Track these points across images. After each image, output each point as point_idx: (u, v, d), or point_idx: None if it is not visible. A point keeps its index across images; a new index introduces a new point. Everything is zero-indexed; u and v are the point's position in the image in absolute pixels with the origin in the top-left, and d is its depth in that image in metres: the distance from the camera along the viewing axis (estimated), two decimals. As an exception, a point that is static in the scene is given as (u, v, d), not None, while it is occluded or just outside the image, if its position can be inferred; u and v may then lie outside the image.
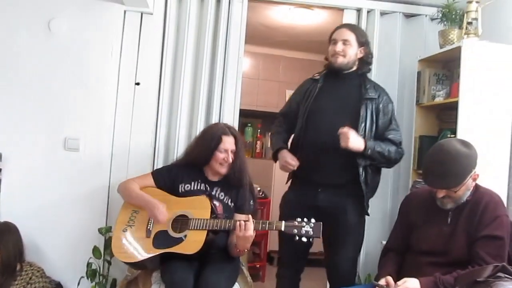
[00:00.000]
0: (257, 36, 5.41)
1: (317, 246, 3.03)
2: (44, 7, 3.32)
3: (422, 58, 3.46)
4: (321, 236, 2.53)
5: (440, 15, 3.35)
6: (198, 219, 2.68)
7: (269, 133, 3.15)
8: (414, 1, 3.67)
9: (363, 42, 2.95)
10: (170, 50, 3.51)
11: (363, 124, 2.83)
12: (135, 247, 2.72)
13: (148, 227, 2.76)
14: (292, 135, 3.08)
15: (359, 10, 3.70)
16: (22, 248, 3.03)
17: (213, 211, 2.75)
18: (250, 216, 2.58)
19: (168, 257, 2.65)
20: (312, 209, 2.76)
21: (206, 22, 3.52)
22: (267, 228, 2.58)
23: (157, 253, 2.66)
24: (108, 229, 3.27)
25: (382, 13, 3.68)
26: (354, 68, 2.97)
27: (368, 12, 3.68)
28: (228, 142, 2.88)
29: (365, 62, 2.99)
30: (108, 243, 3.25)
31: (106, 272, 3.31)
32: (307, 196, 2.88)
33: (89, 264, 3.24)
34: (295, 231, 2.49)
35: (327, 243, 2.99)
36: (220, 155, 2.85)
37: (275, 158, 3.05)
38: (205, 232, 2.64)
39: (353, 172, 2.83)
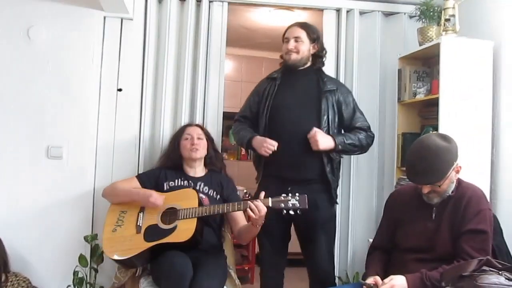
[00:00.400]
0: (238, 38, 5.42)
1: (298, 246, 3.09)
2: (23, 15, 3.29)
3: (402, 56, 3.48)
4: (307, 207, 2.58)
5: (418, 12, 3.37)
6: (187, 208, 2.73)
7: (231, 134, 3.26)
8: (392, 0, 3.69)
9: (315, 38, 3.05)
10: (152, 55, 3.51)
11: (325, 117, 2.93)
12: (127, 243, 2.72)
13: (138, 223, 2.78)
14: None
15: (338, 10, 3.72)
16: (6, 258, 3.01)
17: (200, 203, 2.79)
18: (259, 200, 2.60)
19: (160, 253, 2.65)
20: None
21: (186, 26, 3.52)
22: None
23: (150, 246, 2.67)
24: (94, 237, 3.25)
25: (362, 12, 3.71)
26: (309, 64, 3.08)
27: (347, 11, 3.70)
28: (191, 130, 3.09)
29: (318, 57, 3.09)
30: (94, 251, 3.24)
31: (93, 280, 3.29)
32: (278, 194, 2.85)
33: (75, 273, 3.22)
34: (282, 205, 2.58)
35: (302, 240, 3.05)
36: (186, 142, 3.02)
37: (248, 149, 3.09)
38: (195, 219, 2.68)
39: (320, 166, 2.92)
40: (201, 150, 3.03)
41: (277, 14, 4.59)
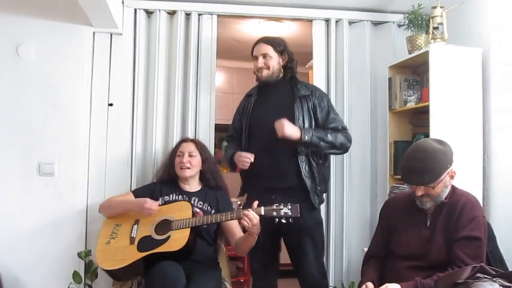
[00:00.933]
0: (228, 50, 5.43)
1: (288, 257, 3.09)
2: (12, 32, 3.29)
3: (392, 65, 3.51)
4: (299, 216, 2.59)
5: (407, 21, 3.40)
6: (180, 219, 2.74)
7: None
8: (381, 9, 3.73)
9: (281, 50, 3.09)
10: (142, 69, 3.51)
11: (299, 122, 2.95)
12: (120, 254, 2.72)
13: (132, 235, 2.78)
14: None
15: (327, 21, 3.73)
16: None
17: (193, 214, 2.79)
18: (250, 209, 2.61)
19: (153, 264, 2.64)
20: (269, 219, 2.71)
21: (176, 39, 3.52)
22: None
23: (142, 256, 2.66)
24: (88, 253, 3.23)
25: (351, 22, 3.73)
26: (281, 75, 3.11)
27: (336, 22, 3.72)
28: (184, 146, 3.06)
29: (288, 67, 3.11)
30: (88, 267, 3.22)
31: (88, 296, 3.27)
32: (264, 204, 2.76)
33: (70, 289, 3.20)
34: (275, 213, 2.59)
35: (291, 252, 3.06)
36: (178, 159, 3.01)
37: (232, 166, 3.12)
38: (188, 229, 2.69)
39: (297, 171, 2.93)
40: (192, 168, 3.01)
41: (266, 26, 4.60)
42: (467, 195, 2.33)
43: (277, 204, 2.61)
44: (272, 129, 2.88)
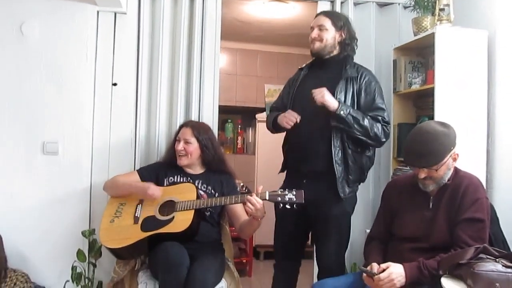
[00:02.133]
0: (232, 31, 5.41)
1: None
2: (16, 11, 3.27)
3: (397, 47, 3.49)
4: (303, 202, 2.58)
5: (413, 2, 3.38)
6: (185, 201, 2.75)
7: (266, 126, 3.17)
8: (386, -10, 3.70)
9: (341, 25, 2.94)
10: (146, 49, 3.49)
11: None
12: (123, 233, 2.74)
13: (136, 215, 2.80)
14: None
15: (332, 2, 3.69)
16: (4, 254, 3.00)
17: (198, 197, 2.80)
18: (253, 194, 2.63)
19: (156, 244, 2.66)
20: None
21: (180, 20, 3.50)
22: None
23: (146, 236, 2.68)
24: (92, 232, 3.25)
25: (356, 4, 3.70)
26: (335, 52, 2.95)
27: (341, 3, 3.68)
28: (182, 132, 3.02)
29: (345, 44, 2.95)
30: (92, 246, 3.24)
31: (92, 274, 3.29)
32: (295, 187, 2.78)
33: (74, 268, 3.22)
34: (279, 199, 2.59)
35: (314, 238, 3.02)
36: (176, 145, 2.99)
37: (275, 128, 3.03)
38: (193, 211, 2.70)
39: (329, 156, 2.80)
40: (188, 155, 2.97)
41: (271, 7, 4.59)
42: (470, 177, 2.33)
43: (282, 190, 2.62)
44: (311, 111, 2.81)
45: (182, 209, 2.73)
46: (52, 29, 3.32)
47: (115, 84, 3.43)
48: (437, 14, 3.13)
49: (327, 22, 2.92)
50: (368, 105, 2.84)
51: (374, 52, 3.67)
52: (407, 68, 3.43)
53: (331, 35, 2.92)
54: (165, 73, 3.51)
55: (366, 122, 2.76)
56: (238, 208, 2.93)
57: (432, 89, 3.02)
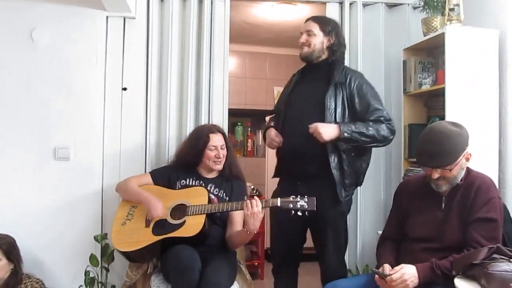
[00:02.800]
0: (241, 34, 5.42)
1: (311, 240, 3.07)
2: (26, 17, 3.30)
3: (406, 47, 3.48)
4: (315, 209, 2.58)
5: (422, 3, 3.36)
6: (196, 205, 2.74)
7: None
8: (395, -9, 3.68)
9: (329, 30, 2.96)
10: (155, 53, 3.50)
11: (330, 110, 2.82)
12: (135, 236, 2.75)
13: (147, 217, 2.81)
14: None
15: (341, 3, 3.70)
16: (20, 259, 3.03)
17: (209, 201, 2.80)
18: (256, 197, 2.67)
19: (168, 248, 2.67)
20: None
21: (189, 23, 3.51)
22: (263, 205, 2.63)
23: (157, 239, 2.69)
24: (104, 236, 3.26)
25: (365, 5, 3.70)
26: (324, 57, 2.97)
27: (350, 4, 3.69)
28: (216, 139, 2.99)
29: (333, 50, 2.96)
30: (104, 250, 3.25)
31: (105, 279, 3.30)
32: (289, 190, 2.82)
33: (87, 272, 3.23)
34: (291, 205, 2.58)
35: (314, 239, 3.03)
36: (211, 153, 2.95)
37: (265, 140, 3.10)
38: (204, 215, 2.70)
39: (325, 160, 2.82)
40: (222, 160, 3.00)
41: (279, 9, 4.60)
42: (482, 177, 2.32)
43: (294, 196, 2.61)
44: (300, 116, 2.87)
45: (194, 213, 2.73)
46: (62, 35, 3.35)
47: (125, 89, 3.44)
48: (447, 14, 3.11)
49: (315, 27, 2.95)
50: (364, 109, 2.85)
51: (383, 53, 3.66)
52: (417, 68, 3.41)
53: (319, 40, 2.94)
54: (175, 77, 3.52)
55: (370, 131, 2.78)
56: (238, 216, 2.90)
57: (443, 89, 3.00)
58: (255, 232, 2.70)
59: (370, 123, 2.80)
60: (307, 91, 2.96)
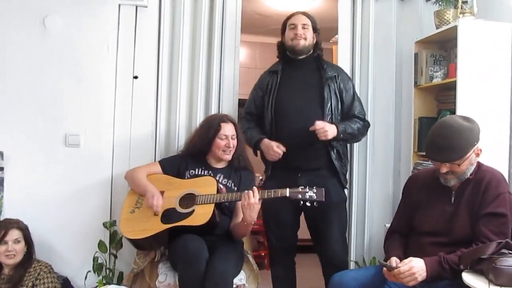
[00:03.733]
0: (252, 25, 5.42)
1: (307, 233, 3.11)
2: (38, 4, 3.30)
3: (418, 40, 3.46)
4: (324, 200, 2.60)
5: (435, -5, 3.34)
6: (205, 194, 2.75)
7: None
8: (408, -17, 3.66)
9: (315, 27, 3.12)
10: (167, 42, 3.50)
11: (328, 104, 2.98)
12: (143, 224, 2.77)
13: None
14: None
15: (353, -5, 3.68)
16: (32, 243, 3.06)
17: (218, 190, 2.81)
18: (255, 187, 2.65)
19: (176, 236, 2.69)
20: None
21: (201, 13, 3.50)
22: (272, 196, 2.64)
23: (166, 228, 2.71)
24: (113, 223, 3.28)
25: (377, -4, 3.68)
26: (311, 52, 3.12)
27: (362, -4, 3.67)
28: (227, 129, 2.98)
29: (318, 46, 3.14)
30: (113, 237, 3.28)
31: (113, 265, 3.32)
32: (288, 181, 2.85)
33: (95, 258, 3.26)
34: (300, 196, 2.59)
35: (313, 227, 3.08)
36: (221, 142, 2.95)
37: (256, 150, 3.13)
38: (213, 205, 2.71)
39: (327, 154, 3.00)
40: (232, 150, 2.99)
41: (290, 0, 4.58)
42: (492, 172, 2.31)
43: (303, 187, 2.61)
44: (300, 112, 2.94)
45: (202, 202, 2.74)
46: (74, 22, 3.35)
47: (136, 77, 3.45)
48: (459, 7, 3.09)
49: (308, 22, 3.08)
50: (349, 103, 3.08)
51: (395, 46, 3.65)
52: (428, 61, 3.39)
53: (311, 35, 3.09)
54: (186, 66, 3.52)
55: (356, 131, 3.03)
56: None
57: (454, 83, 2.99)
58: (253, 223, 2.70)
59: (355, 121, 3.06)
60: (300, 87, 3.04)
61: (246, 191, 2.62)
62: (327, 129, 2.84)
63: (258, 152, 3.14)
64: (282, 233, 3.08)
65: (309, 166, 2.97)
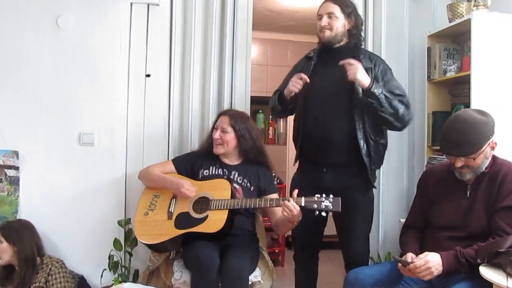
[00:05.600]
0: (263, 21, 5.41)
1: (333, 228, 3.05)
2: (52, 3, 3.32)
3: (431, 34, 3.44)
4: (340, 210, 2.52)
5: (448, -12, 3.32)
6: (219, 199, 2.72)
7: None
8: (420, -23, 3.64)
9: (349, 13, 2.87)
10: (179, 40, 3.50)
11: (358, 96, 2.76)
12: (157, 228, 2.76)
13: (170, 209, 2.81)
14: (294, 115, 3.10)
15: (366, -11, 3.66)
16: (39, 242, 3.06)
17: (232, 194, 2.77)
18: (290, 198, 2.56)
19: (190, 240, 2.68)
20: (319, 189, 2.70)
21: (212, 10, 3.50)
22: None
23: (180, 233, 2.69)
24: (127, 221, 3.30)
25: (389, -10, 3.66)
26: (345, 40, 2.90)
27: (374, -10, 3.65)
28: (220, 120, 2.96)
29: (353, 33, 2.90)
30: (128, 235, 3.29)
31: (128, 263, 3.34)
32: (313, 177, 2.87)
33: (110, 257, 3.28)
34: (315, 205, 2.52)
35: (338, 224, 3.00)
36: (214, 134, 2.94)
37: (281, 103, 2.98)
38: (227, 211, 2.68)
39: (355, 149, 2.79)
40: (224, 145, 2.91)
41: (302, -5, 4.58)
42: (508, 165, 2.29)
43: (319, 196, 2.55)
44: (328, 103, 2.81)
45: (216, 208, 2.70)
46: (87, 21, 3.36)
47: (148, 75, 3.46)
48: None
49: (336, 10, 2.84)
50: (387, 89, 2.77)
51: (407, 40, 3.64)
52: (441, 55, 3.37)
53: (341, 23, 2.85)
54: (198, 64, 3.52)
55: (396, 103, 2.70)
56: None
57: (468, 76, 2.96)
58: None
59: (398, 98, 2.74)
60: (331, 77, 2.84)
61: (284, 203, 2.54)
62: (356, 66, 2.64)
63: (292, 135, 3.07)
64: (307, 231, 2.99)
65: (334, 161, 2.84)
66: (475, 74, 2.93)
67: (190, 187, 2.79)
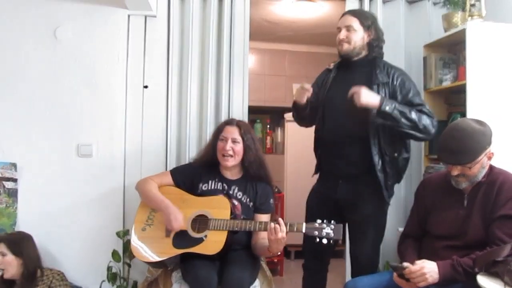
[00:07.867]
0: (261, 32, 5.44)
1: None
2: (50, 15, 3.35)
3: (427, 44, 3.46)
4: (341, 238, 2.48)
5: (443, -1, 3.34)
6: (218, 219, 2.67)
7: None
8: (416, -13, 3.66)
9: (369, 25, 2.81)
10: (176, 51, 3.53)
11: (374, 111, 2.64)
12: (155, 245, 2.73)
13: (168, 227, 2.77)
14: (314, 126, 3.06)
15: (361, 0, 3.68)
16: (39, 254, 3.07)
17: (231, 212, 2.73)
18: (281, 219, 2.50)
19: (188, 256, 2.66)
20: (333, 201, 2.72)
21: (209, 21, 3.53)
22: (287, 230, 2.49)
23: (177, 254, 2.67)
24: (126, 232, 3.30)
25: (385, 1, 3.68)
26: (364, 53, 2.84)
27: (370, 0, 3.66)
28: (228, 131, 2.86)
29: (373, 46, 2.83)
30: (126, 246, 3.29)
31: (127, 274, 3.34)
32: (329, 189, 2.85)
33: (109, 268, 3.28)
34: (316, 233, 2.46)
35: (350, 231, 2.97)
36: (220, 144, 2.84)
37: (297, 111, 2.97)
38: (226, 232, 2.63)
39: (370, 162, 2.74)
40: (235, 157, 2.83)
41: (299, 6, 4.60)
42: (505, 174, 2.30)
43: (320, 221, 2.49)
44: (343, 116, 2.75)
45: (215, 228, 2.65)
46: (85, 33, 3.39)
47: (146, 87, 3.48)
48: (468, 9, 3.09)
49: (355, 22, 2.80)
50: (406, 103, 2.71)
51: (404, 50, 3.64)
52: (437, 65, 3.39)
53: (359, 36, 2.80)
54: (195, 75, 3.54)
55: (413, 115, 2.63)
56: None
57: (464, 86, 2.98)
58: (278, 253, 2.63)
59: (414, 109, 2.67)
60: (348, 88, 2.69)
61: (272, 225, 2.47)
62: (360, 92, 2.57)
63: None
64: (319, 244, 2.95)
65: (349, 172, 2.80)
66: (471, 83, 2.95)
67: (180, 223, 2.70)
